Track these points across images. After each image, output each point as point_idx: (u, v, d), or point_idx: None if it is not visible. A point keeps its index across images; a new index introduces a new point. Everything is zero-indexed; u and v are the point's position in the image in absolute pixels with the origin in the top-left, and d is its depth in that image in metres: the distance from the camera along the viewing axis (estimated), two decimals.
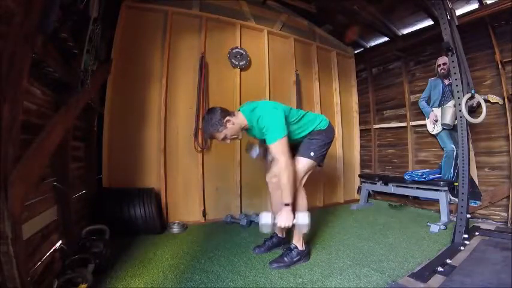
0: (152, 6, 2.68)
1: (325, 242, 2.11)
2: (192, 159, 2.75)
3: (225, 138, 1.71)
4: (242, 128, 1.75)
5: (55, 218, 1.48)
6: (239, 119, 1.71)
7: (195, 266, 1.67)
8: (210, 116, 1.67)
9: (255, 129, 1.73)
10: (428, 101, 3.21)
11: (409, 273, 1.54)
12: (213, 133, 1.68)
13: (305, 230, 1.62)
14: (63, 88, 1.50)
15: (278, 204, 1.69)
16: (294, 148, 1.79)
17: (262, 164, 3.08)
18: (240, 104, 2.78)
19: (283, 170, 1.56)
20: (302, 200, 1.75)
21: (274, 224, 1.57)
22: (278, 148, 1.58)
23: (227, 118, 1.66)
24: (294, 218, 1.57)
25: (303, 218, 1.56)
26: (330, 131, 1.85)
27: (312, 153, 1.74)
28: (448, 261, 1.65)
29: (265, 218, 1.56)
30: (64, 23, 1.38)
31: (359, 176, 3.85)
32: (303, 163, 1.74)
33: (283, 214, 1.56)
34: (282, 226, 1.57)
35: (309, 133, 1.80)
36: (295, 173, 1.66)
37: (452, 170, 2.94)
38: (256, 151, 1.91)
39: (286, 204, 1.57)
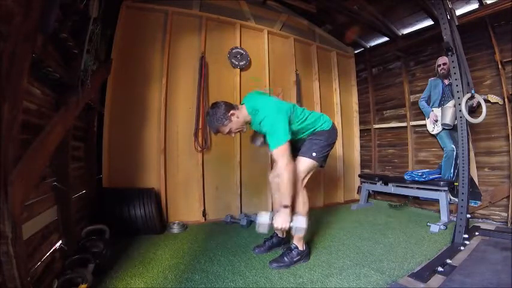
0: (152, 6, 2.68)
1: (325, 242, 2.11)
2: (192, 159, 2.75)
3: (230, 131, 1.72)
4: (246, 121, 1.76)
5: (55, 218, 1.48)
6: (243, 113, 1.73)
7: (195, 266, 1.67)
8: (214, 111, 1.67)
9: (258, 127, 1.74)
10: (428, 101, 3.21)
11: (409, 273, 1.54)
12: (218, 127, 1.69)
13: (301, 233, 1.62)
14: (63, 88, 1.50)
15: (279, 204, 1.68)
16: (296, 147, 1.79)
17: (263, 164, 3.12)
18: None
19: (283, 172, 1.56)
20: (303, 202, 1.74)
21: (271, 224, 1.57)
22: (279, 152, 1.57)
23: (231, 112, 1.68)
24: (292, 220, 1.56)
25: (301, 222, 1.55)
26: (333, 132, 1.85)
27: (314, 154, 1.74)
28: (448, 261, 1.65)
29: (263, 218, 1.56)
30: (64, 23, 1.38)
31: (359, 176, 3.85)
32: (305, 163, 1.73)
33: (281, 216, 1.56)
34: (279, 228, 1.57)
35: (312, 133, 1.79)
36: (296, 174, 1.66)
37: (452, 170, 2.94)
38: (260, 140, 1.91)
39: (285, 206, 1.57)
